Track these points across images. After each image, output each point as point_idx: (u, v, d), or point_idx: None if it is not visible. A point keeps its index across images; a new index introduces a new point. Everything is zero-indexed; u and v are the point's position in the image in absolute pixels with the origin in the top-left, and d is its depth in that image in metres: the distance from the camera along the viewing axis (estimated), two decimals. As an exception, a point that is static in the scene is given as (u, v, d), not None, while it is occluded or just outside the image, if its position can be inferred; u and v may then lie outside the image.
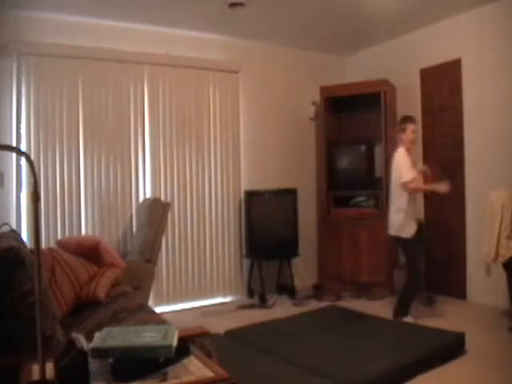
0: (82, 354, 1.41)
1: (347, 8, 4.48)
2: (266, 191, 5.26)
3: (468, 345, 3.38)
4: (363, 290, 5.04)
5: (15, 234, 2.46)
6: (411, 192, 4.04)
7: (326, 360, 3.12)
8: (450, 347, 3.35)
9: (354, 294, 5.07)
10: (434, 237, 5.10)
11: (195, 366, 1.56)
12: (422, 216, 4.95)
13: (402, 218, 4.05)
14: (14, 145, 4.10)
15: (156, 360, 1.51)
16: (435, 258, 5.08)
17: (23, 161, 4.03)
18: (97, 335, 1.59)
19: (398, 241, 4.18)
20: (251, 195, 5.19)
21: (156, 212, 4.22)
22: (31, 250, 1.98)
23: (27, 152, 3.98)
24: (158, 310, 3.96)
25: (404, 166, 3.99)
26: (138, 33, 4.70)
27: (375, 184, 5.26)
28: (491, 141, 4.50)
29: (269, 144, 5.54)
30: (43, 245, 3.68)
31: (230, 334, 3.80)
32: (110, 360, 1.51)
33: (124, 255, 4.17)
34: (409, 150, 4.11)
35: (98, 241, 3.43)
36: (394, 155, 4.16)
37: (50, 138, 4.32)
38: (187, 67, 4.98)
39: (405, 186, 3.99)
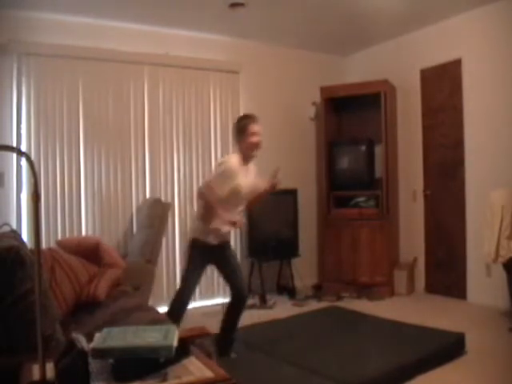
0: (83, 354, 1.41)
1: (347, 8, 4.48)
2: (266, 191, 5.25)
3: (468, 345, 3.37)
4: (363, 290, 5.04)
5: (15, 234, 2.46)
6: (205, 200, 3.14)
7: (326, 360, 3.12)
8: (450, 347, 3.35)
9: (353, 294, 5.07)
10: (434, 237, 5.12)
11: (195, 366, 1.57)
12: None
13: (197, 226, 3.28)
14: (14, 145, 4.10)
15: (156, 360, 1.51)
16: (435, 258, 5.09)
17: (23, 161, 4.03)
18: (97, 335, 1.59)
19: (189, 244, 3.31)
20: (251, 195, 5.18)
21: (156, 212, 4.22)
22: (31, 250, 1.98)
23: (27, 152, 3.98)
24: (158, 310, 3.95)
25: (220, 178, 3.10)
26: (138, 33, 4.70)
27: (375, 184, 5.26)
28: (491, 141, 4.50)
29: (269, 144, 5.49)
30: (43, 245, 3.68)
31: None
32: (111, 360, 1.51)
33: (124, 255, 4.17)
34: (245, 159, 3.27)
35: (98, 241, 3.43)
36: (223, 160, 3.29)
37: (50, 138, 4.32)
38: (187, 67, 4.98)
39: (201, 193, 3.16)
